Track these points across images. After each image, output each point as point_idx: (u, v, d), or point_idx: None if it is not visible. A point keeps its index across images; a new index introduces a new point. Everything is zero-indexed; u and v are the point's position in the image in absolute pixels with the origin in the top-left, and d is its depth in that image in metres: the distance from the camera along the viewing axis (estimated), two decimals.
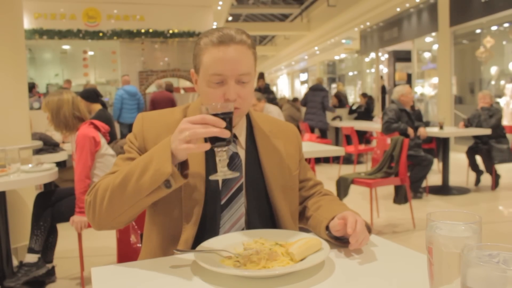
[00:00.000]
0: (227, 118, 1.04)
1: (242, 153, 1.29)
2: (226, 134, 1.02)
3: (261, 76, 8.44)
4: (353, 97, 17.49)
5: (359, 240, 1.09)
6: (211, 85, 1.18)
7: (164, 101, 8.25)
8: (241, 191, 1.25)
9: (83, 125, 2.84)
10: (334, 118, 8.99)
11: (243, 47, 1.18)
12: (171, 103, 8.30)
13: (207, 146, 1.04)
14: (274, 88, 30.49)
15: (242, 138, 1.31)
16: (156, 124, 1.27)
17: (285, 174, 1.30)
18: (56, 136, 4.59)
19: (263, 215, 1.28)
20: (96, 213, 1.14)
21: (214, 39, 1.16)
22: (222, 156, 1.05)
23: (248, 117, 1.35)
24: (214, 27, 1.30)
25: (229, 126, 1.04)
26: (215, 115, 1.03)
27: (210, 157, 1.26)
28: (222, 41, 1.16)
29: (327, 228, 1.19)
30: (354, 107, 9.73)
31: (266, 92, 8.22)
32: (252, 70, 1.21)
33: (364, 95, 9.98)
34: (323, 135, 8.17)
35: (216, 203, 1.23)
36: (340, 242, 1.16)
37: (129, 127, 8.18)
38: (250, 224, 1.25)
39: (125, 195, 1.08)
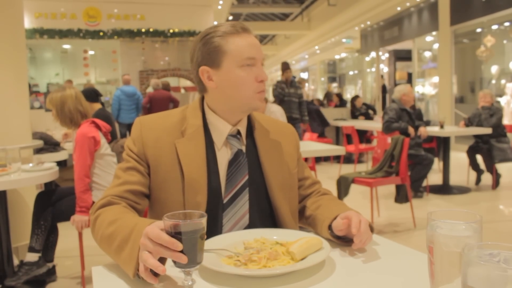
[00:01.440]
0: (193, 236, 0.85)
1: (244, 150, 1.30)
2: (182, 259, 0.85)
3: (287, 66, 6.90)
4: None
5: (362, 240, 1.10)
6: (246, 70, 1.22)
7: (162, 99, 8.20)
8: (245, 188, 1.25)
9: (84, 123, 2.84)
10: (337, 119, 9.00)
11: (255, 37, 1.27)
12: (170, 100, 8.27)
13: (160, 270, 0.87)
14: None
15: (245, 135, 1.32)
16: (155, 128, 1.27)
17: (284, 173, 1.31)
18: (57, 135, 4.60)
19: (263, 213, 1.29)
20: (94, 238, 1.16)
21: (237, 28, 1.23)
22: (186, 280, 0.88)
23: (248, 115, 1.36)
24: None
25: (192, 246, 0.85)
26: (172, 234, 0.86)
27: (211, 157, 1.26)
28: (244, 29, 1.24)
29: (329, 227, 1.19)
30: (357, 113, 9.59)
31: (292, 86, 6.79)
32: None
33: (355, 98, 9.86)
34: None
35: (218, 202, 1.24)
36: (342, 241, 1.17)
37: (127, 127, 8.18)
38: (251, 222, 1.26)
39: (109, 252, 1.07)
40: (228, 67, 1.22)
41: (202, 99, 1.32)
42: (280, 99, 6.79)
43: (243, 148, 1.29)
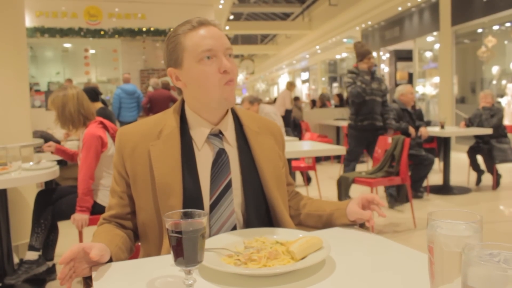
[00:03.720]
0: (193, 235, 0.85)
1: (230, 150, 1.28)
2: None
3: (366, 51, 4.59)
4: None
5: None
6: (205, 63, 1.19)
7: (162, 99, 8.19)
8: (229, 187, 1.24)
9: (92, 123, 2.80)
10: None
11: (218, 28, 1.25)
12: (170, 100, 8.27)
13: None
14: (275, 88, 30.35)
15: (228, 133, 1.29)
16: (132, 137, 1.26)
17: (276, 170, 1.31)
18: (57, 134, 4.60)
19: (259, 211, 1.27)
20: None
21: (194, 24, 1.22)
22: (186, 280, 0.88)
23: (235, 114, 1.35)
24: None
25: (192, 245, 0.85)
26: (172, 233, 0.85)
27: (188, 158, 1.24)
28: (201, 23, 1.22)
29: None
30: None
31: (374, 79, 4.64)
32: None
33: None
34: None
35: (198, 204, 1.21)
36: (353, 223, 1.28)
37: None
38: (248, 221, 1.25)
39: None
40: (189, 64, 1.21)
41: (183, 100, 1.32)
42: (361, 99, 4.60)
43: (227, 147, 1.27)
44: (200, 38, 1.19)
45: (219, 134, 1.28)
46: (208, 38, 1.20)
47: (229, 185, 1.24)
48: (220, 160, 1.24)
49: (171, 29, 1.26)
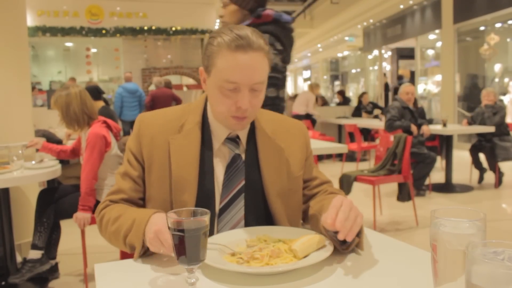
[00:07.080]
0: (195, 234, 0.85)
1: (244, 155, 1.26)
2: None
3: None
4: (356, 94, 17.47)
5: (346, 230, 0.99)
6: (224, 92, 1.13)
7: (164, 98, 8.21)
8: (241, 193, 1.22)
9: (96, 123, 2.80)
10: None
11: (260, 54, 1.11)
12: (172, 99, 8.28)
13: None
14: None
15: (243, 137, 1.27)
16: (153, 126, 1.24)
17: (283, 178, 1.26)
18: (59, 133, 4.60)
19: (260, 218, 1.25)
20: (103, 237, 1.25)
21: (231, 43, 1.09)
22: (189, 278, 0.88)
23: None
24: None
25: (195, 244, 0.85)
26: (175, 231, 0.85)
27: (206, 157, 1.22)
28: (239, 46, 1.08)
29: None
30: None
31: None
32: (265, 78, 1.15)
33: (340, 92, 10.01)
34: None
35: (210, 204, 1.20)
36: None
37: (130, 124, 8.19)
38: (247, 227, 1.24)
39: (118, 243, 1.17)
40: (213, 80, 1.15)
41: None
42: None
43: (241, 153, 1.25)
44: (231, 66, 1.09)
45: (236, 139, 1.25)
46: (236, 70, 1.09)
47: (241, 191, 1.22)
48: (234, 165, 1.22)
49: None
